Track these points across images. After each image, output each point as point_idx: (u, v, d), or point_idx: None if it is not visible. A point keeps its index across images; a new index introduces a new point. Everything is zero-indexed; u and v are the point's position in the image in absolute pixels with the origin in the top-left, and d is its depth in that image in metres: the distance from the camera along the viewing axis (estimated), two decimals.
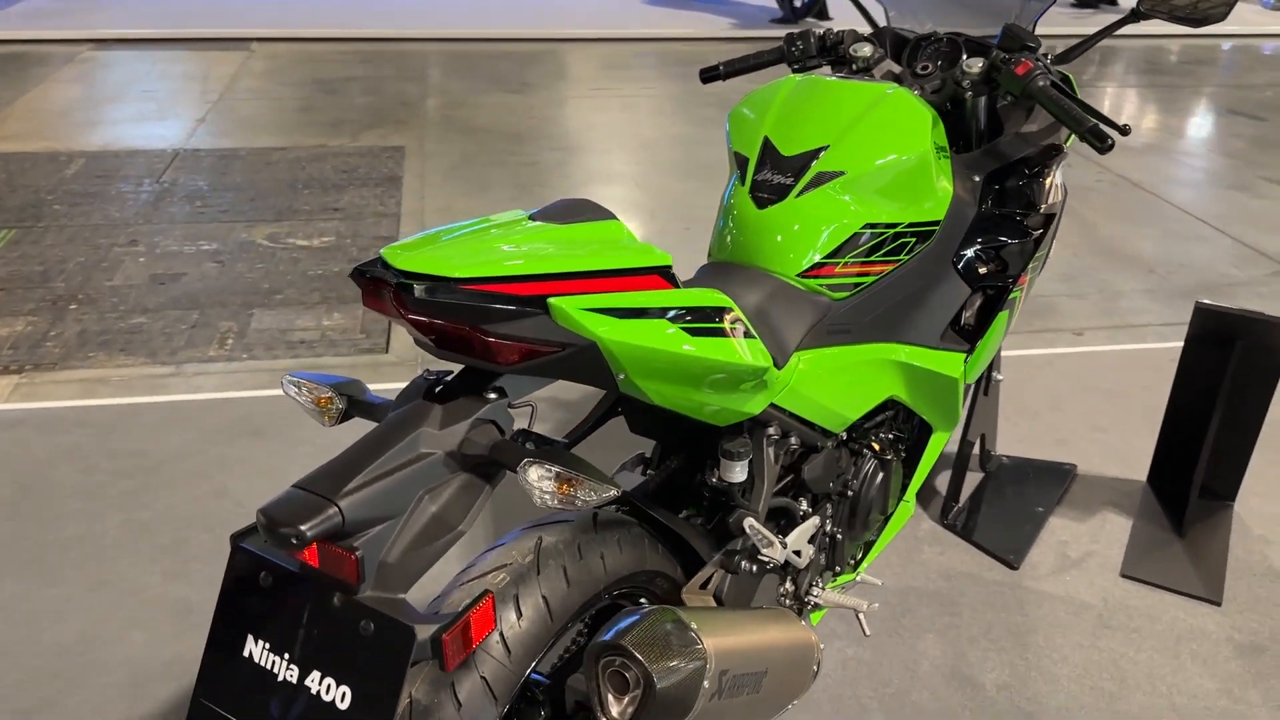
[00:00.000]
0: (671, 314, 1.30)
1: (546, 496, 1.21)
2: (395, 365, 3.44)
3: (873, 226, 1.78)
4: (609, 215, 1.39)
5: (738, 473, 1.64)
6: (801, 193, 1.74)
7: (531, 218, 1.35)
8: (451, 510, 1.21)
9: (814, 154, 1.76)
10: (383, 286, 1.19)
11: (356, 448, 1.18)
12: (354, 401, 1.36)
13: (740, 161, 1.82)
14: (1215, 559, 2.51)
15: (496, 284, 1.18)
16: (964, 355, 2.02)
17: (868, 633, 1.68)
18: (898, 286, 1.86)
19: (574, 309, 1.22)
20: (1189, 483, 2.58)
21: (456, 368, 1.32)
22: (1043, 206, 2.11)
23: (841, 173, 1.74)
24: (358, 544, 1.12)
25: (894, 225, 1.81)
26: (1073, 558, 2.54)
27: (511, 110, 6.49)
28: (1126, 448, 3.00)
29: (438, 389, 1.29)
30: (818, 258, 1.74)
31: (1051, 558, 2.54)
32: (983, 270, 2.02)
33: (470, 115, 6.35)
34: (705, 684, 1.24)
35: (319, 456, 2.88)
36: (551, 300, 1.21)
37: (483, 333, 1.19)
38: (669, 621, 1.28)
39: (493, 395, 1.29)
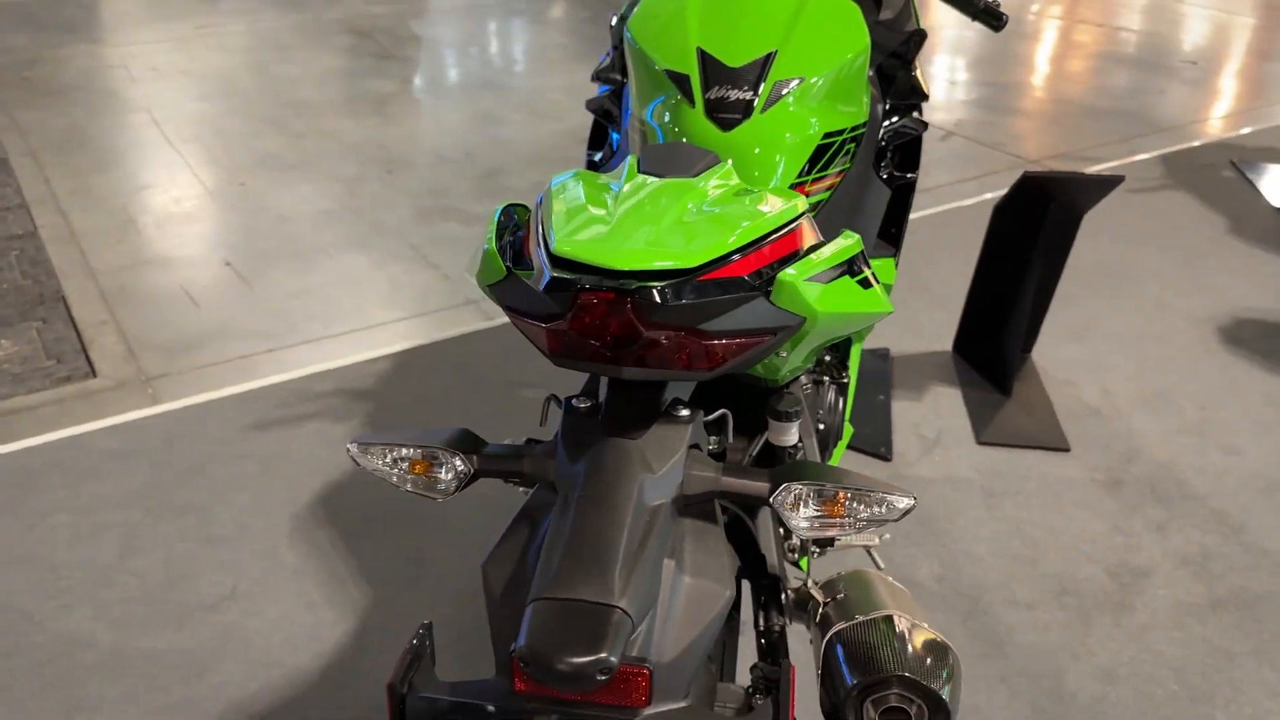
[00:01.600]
0: (850, 269, 1.08)
1: (804, 525, 0.97)
2: (114, 390, 2.82)
3: (831, 135, 1.63)
4: (715, 156, 1.15)
5: (791, 435, 1.45)
6: (766, 107, 1.55)
7: (647, 173, 1.09)
8: (708, 571, 0.94)
9: (764, 62, 1.56)
10: (603, 296, 0.90)
11: (580, 525, 0.88)
12: (473, 455, 1.03)
13: (678, 80, 1.58)
14: (1045, 409, 2.69)
15: (724, 267, 0.92)
16: (893, 260, 1.95)
17: (882, 566, 1.58)
18: (844, 199, 1.74)
19: (800, 284, 0.97)
20: (999, 345, 2.73)
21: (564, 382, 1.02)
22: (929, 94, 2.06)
23: (799, 79, 1.57)
24: (636, 652, 0.83)
25: (842, 131, 1.67)
26: (930, 437, 2.61)
27: (105, 63, 5.52)
28: (916, 322, 3.13)
29: (602, 416, 1.00)
30: (793, 177, 1.56)
31: (913, 442, 2.59)
32: (895, 169, 1.94)
33: (52, 74, 5.31)
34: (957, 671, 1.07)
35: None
36: (784, 276, 0.96)
37: (700, 335, 0.92)
38: (882, 625, 1.09)
39: (684, 411, 1.01)
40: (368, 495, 2.39)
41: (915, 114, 1.99)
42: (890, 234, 1.99)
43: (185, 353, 2.98)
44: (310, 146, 4.54)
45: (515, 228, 1.11)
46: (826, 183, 1.64)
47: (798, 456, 1.53)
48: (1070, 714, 1.87)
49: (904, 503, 0.97)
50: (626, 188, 1.07)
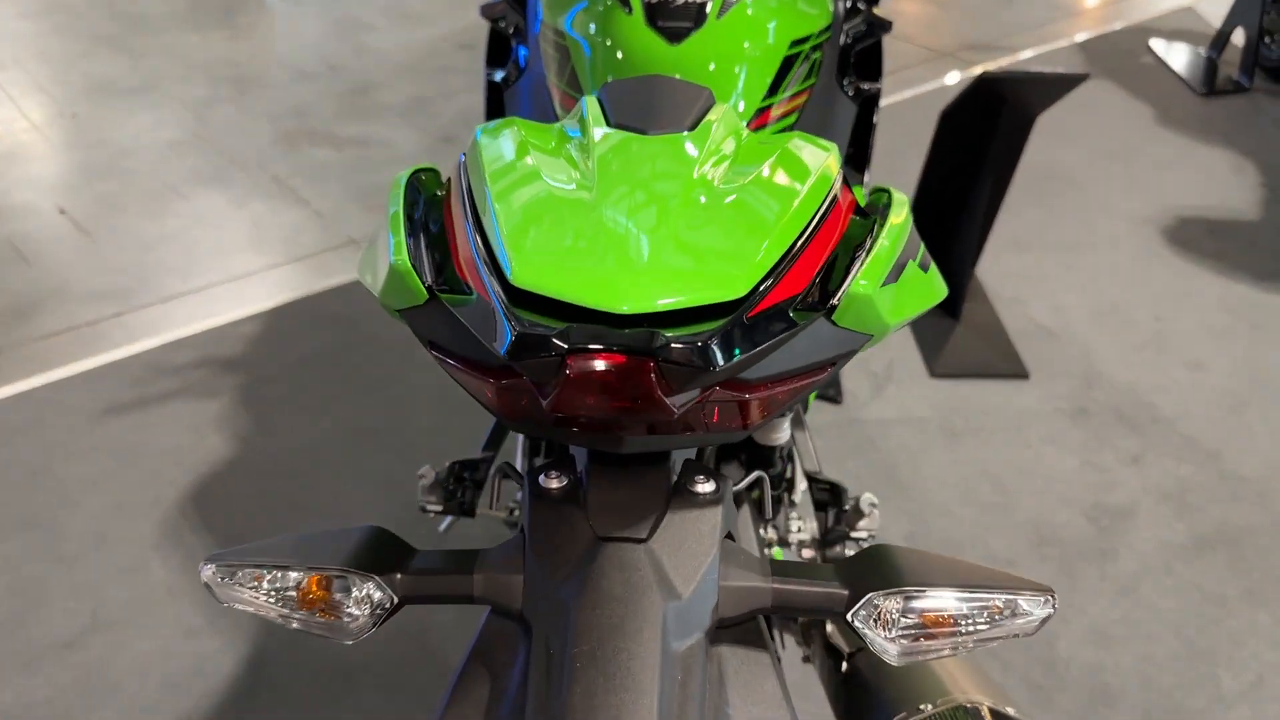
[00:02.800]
0: (911, 252, 0.78)
1: (896, 649, 0.69)
2: None
3: (797, 43, 1.32)
4: (707, 92, 0.84)
5: (783, 432, 1.17)
6: (722, 12, 1.23)
7: (623, 126, 0.77)
8: (762, 709, 0.66)
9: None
10: (608, 360, 0.60)
11: (584, 703, 0.60)
12: (396, 574, 0.71)
13: None
14: (998, 333, 2.48)
15: (774, 289, 0.62)
16: (862, 189, 1.67)
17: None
18: (810, 122, 1.44)
19: (876, 295, 0.68)
20: (947, 265, 2.50)
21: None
22: None
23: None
24: None
25: (808, 38, 1.36)
26: (880, 373, 2.37)
27: None
28: None
29: (586, 501, 0.70)
30: (759, 100, 1.26)
31: (863, 380, 2.35)
32: (859, 80, 1.64)
33: None
34: None
35: None
36: (857, 289, 0.66)
37: (744, 387, 0.63)
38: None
39: (707, 486, 0.72)
40: (250, 487, 2.04)
41: (874, 9, 1.68)
42: (855, 157, 1.70)
43: (17, 323, 2.54)
44: (151, 67, 4.00)
45: (430, 208, 0.78)
46: (793, 103, 1.34)
47: (787, 453, 1.26)
48: (1068, 688, 1.69)
49: (1042, 609, 0.69)
50: (599, 154, 0.75)
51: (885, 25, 1.61)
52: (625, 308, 0.61)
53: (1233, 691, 1.68)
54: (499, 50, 1.70)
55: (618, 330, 0.61)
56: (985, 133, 2.31)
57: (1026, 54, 4.11)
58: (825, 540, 1.30)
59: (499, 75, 1.68)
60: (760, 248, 0.66)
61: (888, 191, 0.84)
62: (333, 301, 2.60)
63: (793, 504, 1.34)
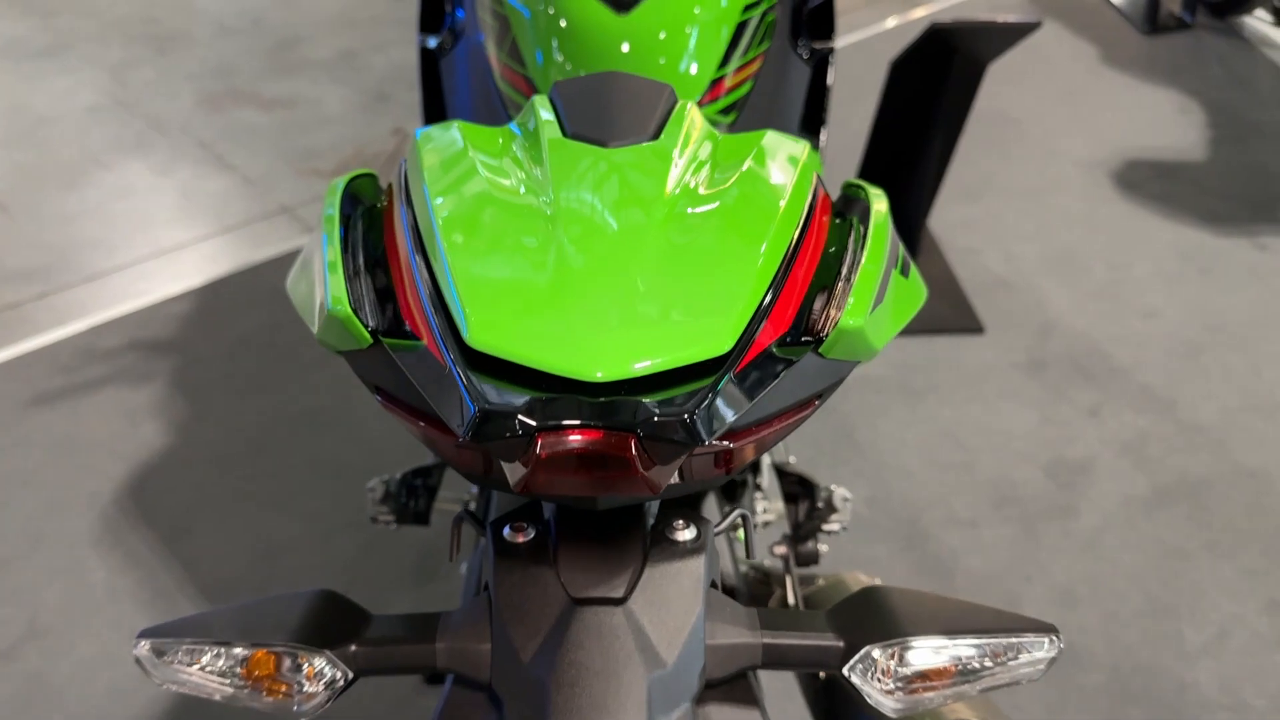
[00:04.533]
0: (893, 259, 0.73)
1: (895, 705, 0.64)
2: None
3: (751, 6, 1.25)
4: (669, 90, 0.77)
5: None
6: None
7: (579, 136, 0.71)
8: None
9: None
10: (584, 435, 0.55)
11: None
12: (350, 645, 0.65)
13: None
14: (951, 286, 2.45)
15: (760, 332, 0.57)
16: (819, 155, 1.61)
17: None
18: (765, 89, 1.37)
19: (867, 325, 0.62)
20: (900, 217, 2.45)
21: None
22: None
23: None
24: None
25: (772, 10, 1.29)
26: None
27: None
28: None
29: (556, 557, 0.64)
30: (713, 69, 1.19)
31: None
32: (812, 37, 1.57)
33: None
34: None
35: None
36: (847, 323, 0.61)
37: (729, 436, 0.57)
38: None
39: (688, 533, 0.66)
40: (191, 477, 1.96)
41: None
42: (809, 119, 1.63)
43: None
44: (63, 26, 3.80)
45: (369, 226, 0.71)
46: (747, 70, 1.27)
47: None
48: None
49: (1046, 651, 0.65)
50: (554, 174, 0.68)
51: None
52: (599, 374, 0.55)
53: (1196, 645, 1.69)
54: (433, 13, 1.60)
55: (592, 399, 0.55)
56: (936, 83, 2.25)
57: None
58: (797, 535, 1.27)
59: (433, 42, 1.59)
60: (744, 288, 0.60)
61: (862, 188, 0.78)
62: (268, 274, 2.50)
63: (758, 488, 1.30)
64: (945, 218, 2.71)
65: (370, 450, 2.01)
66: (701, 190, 0.68)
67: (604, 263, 0.61)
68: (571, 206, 0.64)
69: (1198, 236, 2.65)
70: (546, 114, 0.76)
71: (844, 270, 0.66)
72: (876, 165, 2.45)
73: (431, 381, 0.58)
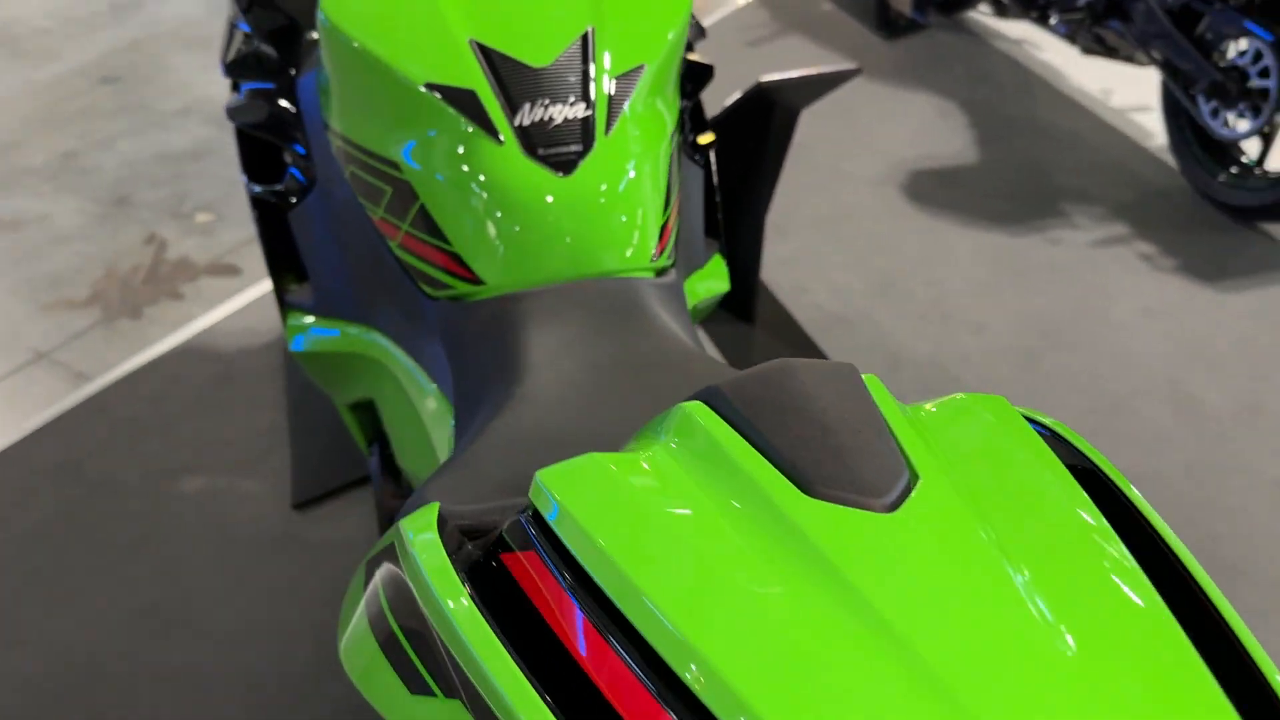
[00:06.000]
0: None
1: None
2: None
3: (673, 134, 1.14)
4: (845, 366, 0.65)
5: None
6: (611, 124, 1.02)
7: (823, 496, 0.56)
8: None
9: (583, 49, 1.03)
10: None
11: None
12: None
13: (457, 100, 1.00)
14: (793, 329, 2.43)
15: None
16: (720, 253, 1.53)
17: None
18: (686, 216, 1.26)
19: None
20: (735, 268, 2.39)
21: None
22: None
23: (639, 67, 1.05)
24: None
25: (679, 128, 1.18)
26: None
27: None
28: None
29: None
30: (660, 216, 1.07)
31: None
32: (695, 133, 1.47)
33: None
34: None
35: None
36: None
37: None
38: None
39: None
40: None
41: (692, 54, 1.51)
42: (710, 222, 1.54)
43: None
44: None
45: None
46: (676, 199, 1.16)
47: None
48: None
49: None
50: (848, 570, 0.52)
51: (708, 71, 1.44)
52: None
53: None
54: (261, 154, 1.38)
55: None
56: (758, 136, 2.21)
57: (714, 15, 4.08)
58: None
59: (259, 189, 1.37)
60: None
61: None
62: (46, 445, 2.13)
63: None
64: (765, 259, 2.68)
65: (229, 650, 1.73)
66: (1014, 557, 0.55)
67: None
68: (918, 633, 0.49)
69: (995, 240, 2.76)
70: (736, 449, 0.60)
71: None
72: (712, 224, 2.39)
73: None
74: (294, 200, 1.29)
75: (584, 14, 1.03)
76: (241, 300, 2.50)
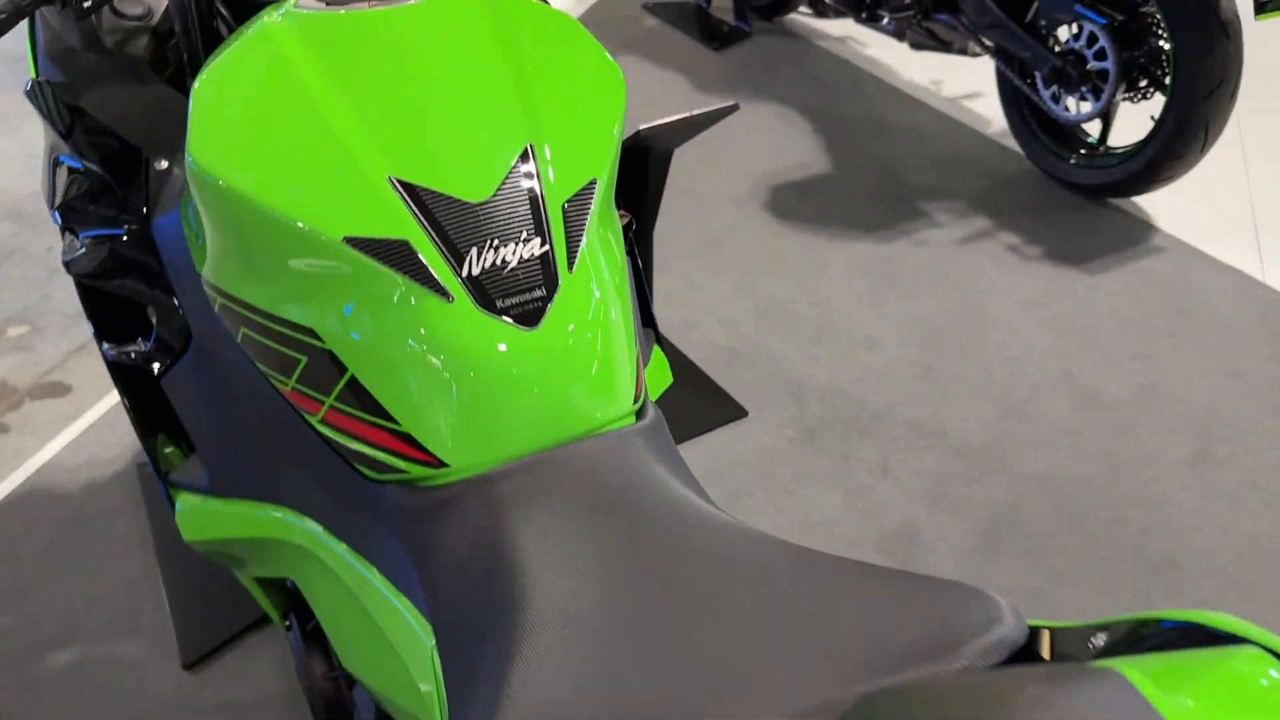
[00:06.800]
0: None
1: None
2: None
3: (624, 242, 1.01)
4: None
5: None
6: (573, 258, 0.88)
7: None
8: None
9: (525, 173, 0.88)
10: None
11: None
12: None
13: (390, 254, 0.83)
14: (697, 375, 2.33)
15: None
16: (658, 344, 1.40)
17: None
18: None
19: None
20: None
21: None
22: None
23: (589, 183, 0.91)
24: None
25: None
26: None
27: None
28: None
29: None
30: (631, 353, 0.94)
31: None
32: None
33: None
34: None
35: None
36: None
37: None
38: None
39: None
40: None
41: None
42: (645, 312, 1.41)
43: None
44: None
45: None
46: None
47: None
48: None
49: None
50: None
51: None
52: None
53: None
54: (106, 309, 1.18)
55: None
56: (635, 183, 2.09)
57: None
58: None
59: (112, 353, 1.16)
60: None
61: None
62: None
63: None
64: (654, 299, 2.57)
65: None
66: None
67: None
68: None
69: (866, 249, 2.73)
70: None
71: None
72: (644, 310, 2.29)
73: None
74: (164, 363, 1.09)
75: (518, 129, 0.88)
76: (79, 426, 2.22)
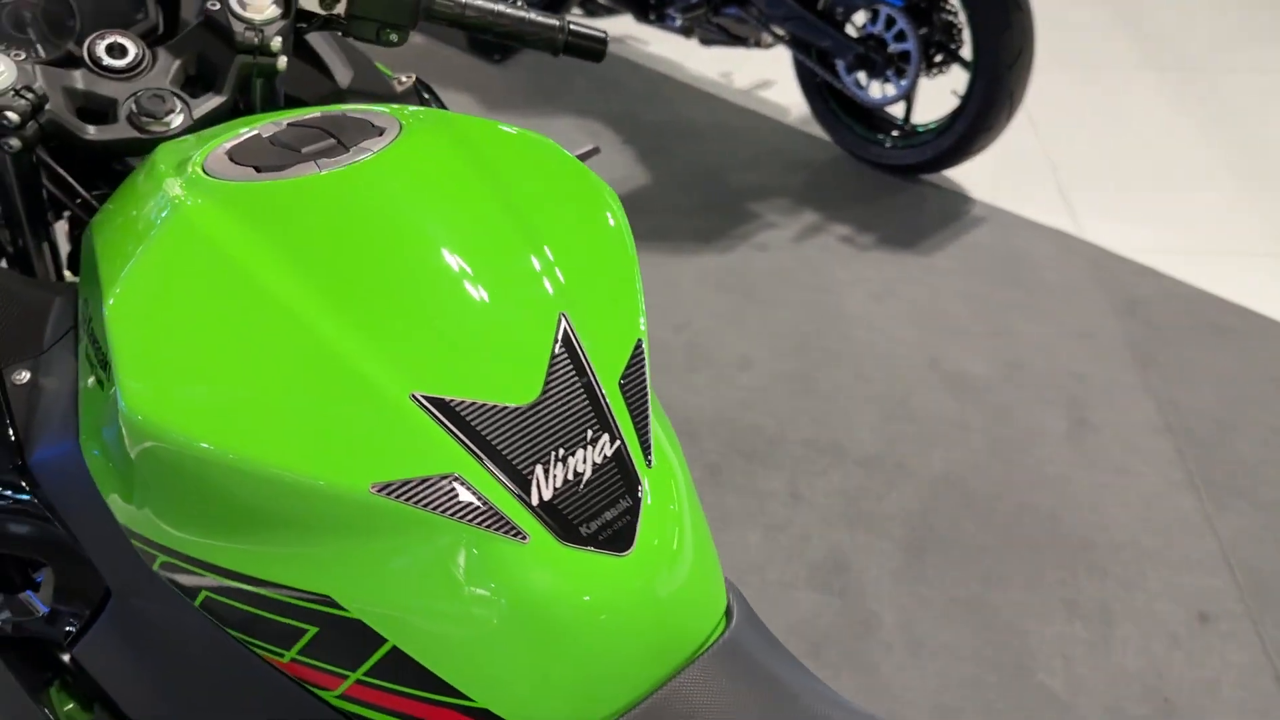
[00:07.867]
0: None
1: None
2: None
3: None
4: None
5: None
6: (648, 445, 0.74)
7: None
8: None
9: (570, 353, 0.73)
10: None
11: None
12: None
13: (439, 496, 0.66)
14: None
15: None
16: None
17: None
18: None
19: None
20: None
21: None
22: None
23: (637, 350, 0.78)
24: None
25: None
26: None
27: None
28: None
29: None
30: (710, 542, 0.81)
31: None
32: None
33: None
34: None
35: None
36: None
37: None
38: None
39: None
40: None
41: None
42: None
43: None
44: None
45: None
46: None
47: None
48: None
49: None
50: None
51: None
52: None
53: None
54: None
55: None
56: None
57: None
58: None
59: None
60: None
61: None
62: None
63: None
64: None
65: None
66: None
67: None
68: None
69: (713, 261, 2.68)
70: None
71: None
72: None
73: None
74: (71, 630, 0.86)
75: (543, 297, 0.72)
76: None
